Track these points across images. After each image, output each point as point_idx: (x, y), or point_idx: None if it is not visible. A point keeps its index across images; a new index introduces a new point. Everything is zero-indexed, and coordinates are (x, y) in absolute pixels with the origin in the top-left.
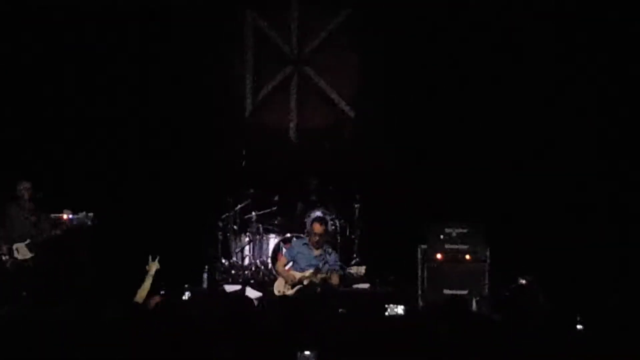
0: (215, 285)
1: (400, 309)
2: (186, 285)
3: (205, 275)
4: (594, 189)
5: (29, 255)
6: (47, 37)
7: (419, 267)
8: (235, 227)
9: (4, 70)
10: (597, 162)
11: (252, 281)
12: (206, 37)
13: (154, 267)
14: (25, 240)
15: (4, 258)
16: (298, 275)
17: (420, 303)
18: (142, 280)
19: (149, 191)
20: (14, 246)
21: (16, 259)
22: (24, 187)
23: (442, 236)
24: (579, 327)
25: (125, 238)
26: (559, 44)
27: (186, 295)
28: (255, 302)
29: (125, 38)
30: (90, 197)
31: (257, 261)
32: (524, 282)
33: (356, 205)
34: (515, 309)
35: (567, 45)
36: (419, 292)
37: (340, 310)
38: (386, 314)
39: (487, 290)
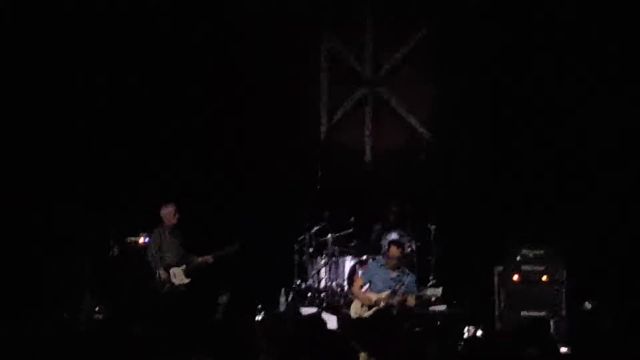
0: (293, 308)
1: (479, 331)
2: (260, 306)
3: (282, 299)
4: None
5: (185, 280)
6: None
7: (496, 288)
8: (311, 249)
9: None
10: None
11: (324, 305)
12: (281, 58)
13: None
14: (181, 265)
15: (163, 281)
16: (374, 297)
17: (498, 325)
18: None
19: (225, 214)
20: (171, 271)
21: (173, 284)
22: (169, 211)
23: (518, 257)
24: None
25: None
26: None
27: (260, 316)
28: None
29: (198, 64)
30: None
31: (334, 283)
32: (589, 306)
33: (432, 227)
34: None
35: None
36: (496, 313)
37: (417, 329)
38: (464, 335)
39: (564, 312)
